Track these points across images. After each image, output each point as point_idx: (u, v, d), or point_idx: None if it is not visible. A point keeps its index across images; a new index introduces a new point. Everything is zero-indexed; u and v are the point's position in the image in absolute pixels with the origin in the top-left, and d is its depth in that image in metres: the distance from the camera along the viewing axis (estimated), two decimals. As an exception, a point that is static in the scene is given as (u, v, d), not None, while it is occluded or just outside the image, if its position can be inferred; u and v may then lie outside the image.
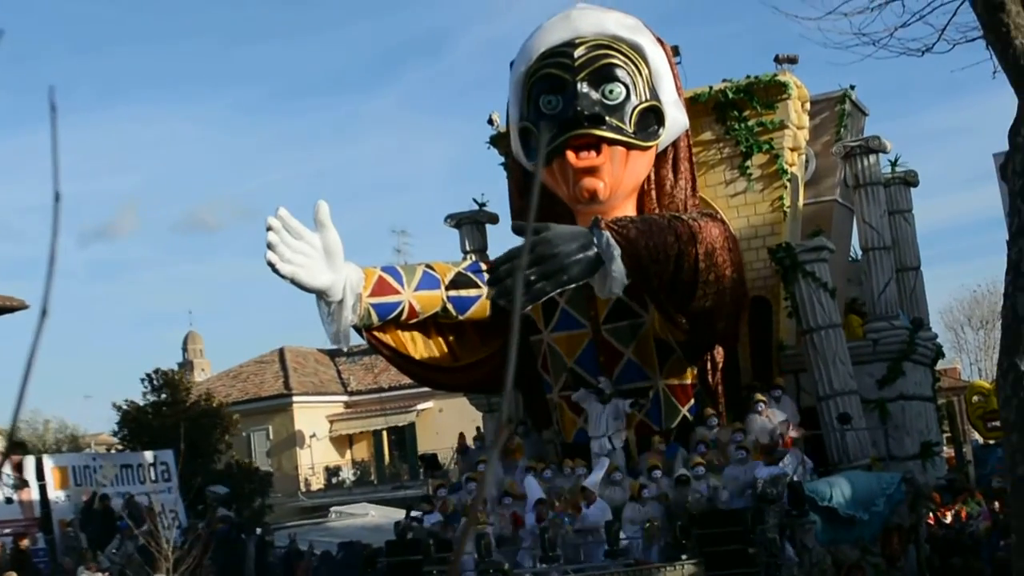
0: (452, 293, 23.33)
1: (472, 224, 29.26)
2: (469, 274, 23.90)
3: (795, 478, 22.04)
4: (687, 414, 24.28)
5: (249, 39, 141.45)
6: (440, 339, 23.94)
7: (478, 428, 28.25)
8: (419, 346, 23.57)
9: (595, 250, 19.73)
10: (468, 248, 28.89)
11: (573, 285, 20.18)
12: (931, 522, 27.13)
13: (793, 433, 23.78)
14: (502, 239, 31.68)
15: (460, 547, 23.32)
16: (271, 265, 19.53)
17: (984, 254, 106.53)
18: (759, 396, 24.20)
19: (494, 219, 29.62)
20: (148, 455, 34.35)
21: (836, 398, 24.64)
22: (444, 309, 23.27)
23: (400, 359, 23.83)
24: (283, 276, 19.65)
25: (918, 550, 24.88)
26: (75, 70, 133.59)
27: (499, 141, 27.71)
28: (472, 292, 23.59)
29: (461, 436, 27.45)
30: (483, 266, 24.54)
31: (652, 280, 21.36)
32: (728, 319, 23.43)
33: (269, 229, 19.52)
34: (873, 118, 29.87)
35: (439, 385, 28.26)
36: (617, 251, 20.00)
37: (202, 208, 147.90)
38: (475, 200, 29.40)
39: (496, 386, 25.95)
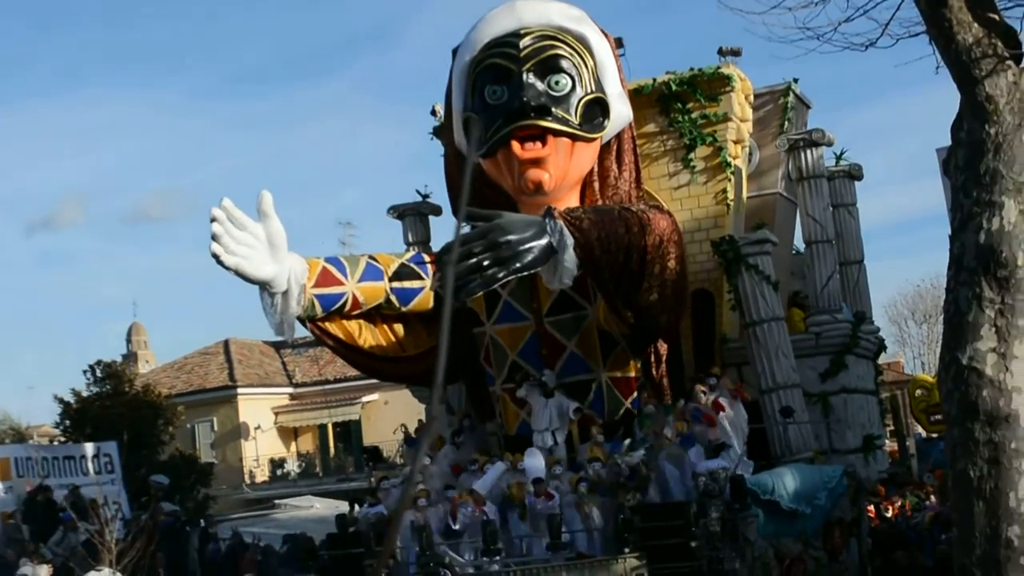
0: (395, 285, 22.98)
1: (415, 216, 28.88)
2: (412, 266, 23.55)
3: (737, 471, 21.85)
4: (630, 407, 24.05)
5: (208, 20, 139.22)
6: (386, 329, 23.59)
7: (420, 420, 27.90)
8: (365, 336, 23.22)
9: (548, 239, 19.56)
10: (411, 240, 28.52)
11: (525, 273, 19.87)
12: (872, 514, 27.05)
13: (724, 401, 23.53)
14: (446, 230, 31.38)
15: (391, 536, 23.06)
16: (216, 256, 19.18)
17: (928, 249, 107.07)
18: (699, 387, 23.97)
19: (437, 211, 29.26)
20: (90, 447, 34.10)
21: (779, 391, 24.51)
22: (387, 301, 22.93)
23: (346, 349, 23.47)
24: (227, 267, 19.33)
25: (860, 544, 24.79)
26: (24, 51, 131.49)
27: (442, 132, 27.35)
28: (415, 284, 23.26)
29: (404, 428, 27.18)
30: (426, 258, 24.23)
31: (603, 271, 21.20)
32: (671, 312, 23.20)
33: (213, 220, 19.15)
34: (817, 112, 29.80)
35: (385, 375, 27.78)
36: (571, 241, 19.87)
37: (148, 199, 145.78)
38: (418, 191, 29.07)
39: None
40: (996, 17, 10.38)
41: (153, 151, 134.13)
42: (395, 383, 32.15)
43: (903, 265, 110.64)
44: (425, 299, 23.36)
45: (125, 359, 64.43)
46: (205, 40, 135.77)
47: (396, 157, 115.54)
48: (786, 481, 22.31)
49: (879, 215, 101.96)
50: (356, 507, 24.62)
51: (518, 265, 19.22)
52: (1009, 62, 10.36)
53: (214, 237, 19.09)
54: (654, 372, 24.40)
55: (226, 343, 58.24)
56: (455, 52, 25.08)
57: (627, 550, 20.81)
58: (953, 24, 10.02)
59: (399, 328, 23.75)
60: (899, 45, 13.41)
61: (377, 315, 23.33)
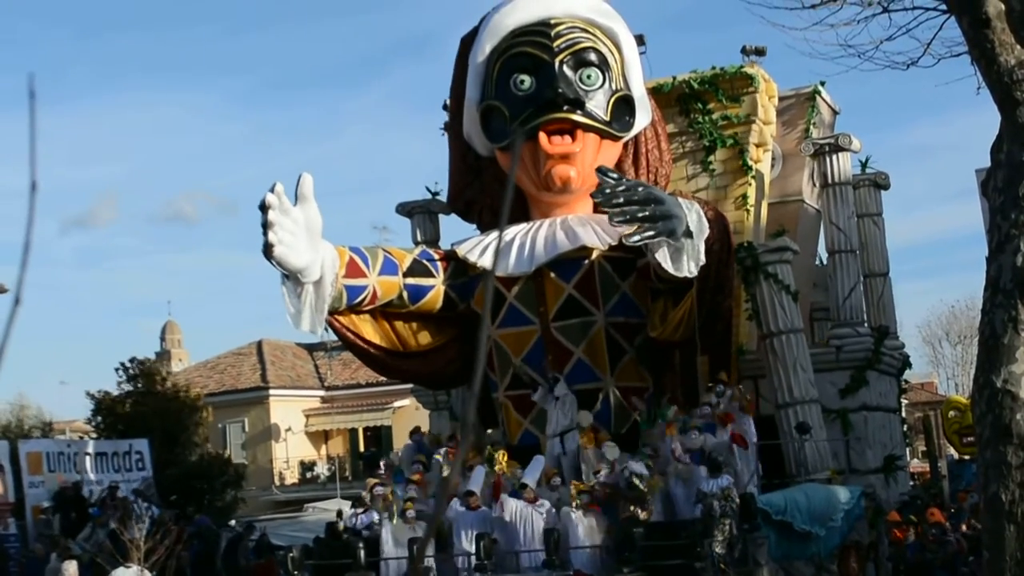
0: (409, 280, 21.77)
1: (424, 214, 26.91)
2: (424, 262, 22.28)
3: (749, 489, 19.55)
4: (639, 418, 21.75)
5: (248, 28, 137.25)
6: (386, 326, 22.17)
7: (417, 427, 25.53)
8: (369, 332, 21.83)
9: (686, 219, 18.26)
10: (420, 238, 26.63)
11: (665, 242, 18.26)
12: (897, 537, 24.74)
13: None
14: (454, 229, 29.34)
15: (426, 539, 21.76)
16: (268, 246, 17.80)
17: (964, 270, 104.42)
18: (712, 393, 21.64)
19: (447, 208, 26.99)
20: (123, 444, 33.23)
21: (796, 406, 22.58)
22: (399, 296, 21.66)
23: (363, 343, 21.96)
24: (273, 258, 17.97)
25: (878, 569, 22.52)
26: (69, 54, 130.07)
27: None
28: (428, 281, 22.05)
29: (371, 451, 25.32)
30: (435, 255, 22.93)
31: (710, 267, 19.68)
32: (727, 321, 22.25)
33: (266, 208, 17.75)
34: (856, 130, 27.83)
35: (391, 372, 25.37)
36: (707, 228, 18.73)
37: (182, 199, 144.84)
38: (428, 188, 26.95)
39: (441, 380, 24.43)
40: (1039, 39, 9.87)
41: (188, 154, 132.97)
42: (401, 380, 30.32)
43: (938, 286, 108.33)
44: (434, 298, 22.12)
45: (159, 357, 62.88)
46: (243, 47, 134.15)
47: (430, 165, 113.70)
48: (800, 501, 20.28)
49: (915, 234, 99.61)
50: (343, 514, 22.54)
51: (671, 228, 18.00)
52: (1051, 85, 9.76)
53: (268, 225, 17.70)
54: (666, 383, 22.23)
55: (259, 344, 56.81)
56: (465, 41, 23.10)
57: (626, 570, 18.65)
58: (995, 45, 9.52)
59: (400, 326, 22.37)
60: (940, 65, 13.84)
61: (379, 312, 21.88)
